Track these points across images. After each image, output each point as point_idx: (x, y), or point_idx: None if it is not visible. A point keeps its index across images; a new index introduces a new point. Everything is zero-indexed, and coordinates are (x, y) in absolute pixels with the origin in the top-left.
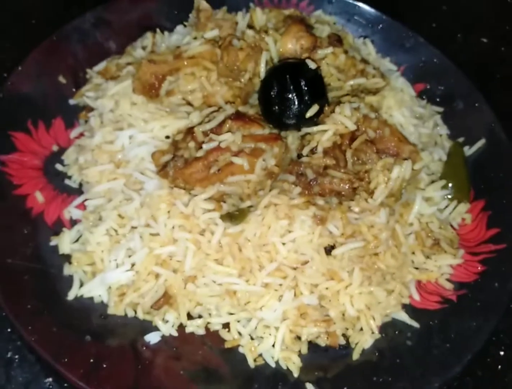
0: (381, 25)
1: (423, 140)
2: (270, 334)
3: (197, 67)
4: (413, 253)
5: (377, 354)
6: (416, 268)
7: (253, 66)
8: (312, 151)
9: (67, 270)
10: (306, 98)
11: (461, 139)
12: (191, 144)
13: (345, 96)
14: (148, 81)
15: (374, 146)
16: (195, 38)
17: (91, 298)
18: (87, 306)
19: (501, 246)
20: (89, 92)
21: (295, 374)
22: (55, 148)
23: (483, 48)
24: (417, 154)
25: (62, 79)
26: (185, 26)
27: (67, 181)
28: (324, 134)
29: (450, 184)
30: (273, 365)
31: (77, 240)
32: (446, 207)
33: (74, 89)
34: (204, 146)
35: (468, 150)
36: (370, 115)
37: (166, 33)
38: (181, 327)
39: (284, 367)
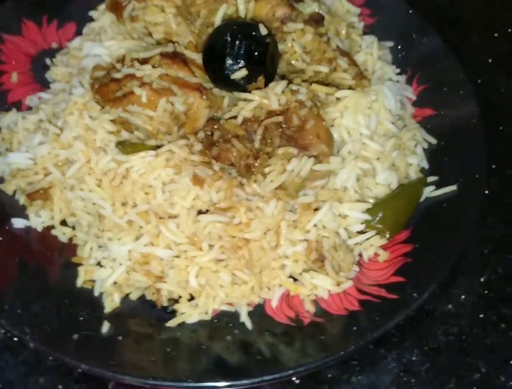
0: (424, 39)
1: (367, 155)
2: (111, 267)
3: (167, 2)
4: (296, 260)
5: (193, 332)
6: (294, 279)
7: (205, 13)
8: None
9: None
10: (239, 60)
11: (434, 179)
12: (119, 65)
13: (297, 79)
14: (116, 0)
15: (284, 132)
16: None
17: None
18: None
19: (391, 296)
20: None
21: (106, 302)
22: (54, 45)
23: None
24: (325, 156)
25: None
26: None
27: (47, 75)
28: (248, 104)
29: (380, 213)
30: (96, 294)
31: None
32: (362, 232)
33: None
34: (123, 70)
35: (434, 192)
36: (306, 103)
37: None
38: (49, 229)
39: (103, 301)
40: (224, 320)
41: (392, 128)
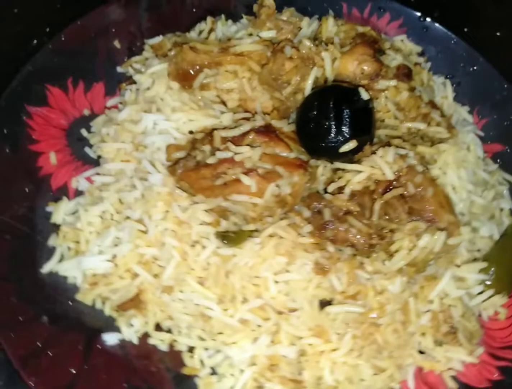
0: (475, 67)
1: (474, 211)
2: (232, 375)
3: (241, 66)
4: (423, 334)
5: None
6: (422, 352)
7: (298, 80)
8: (340, 190)
9: (52, 240)
10: (346, 130)
11: None
12: (207, 147)
13: (397, 139)
14: (184, 68)
15: (407, 204)
16: (250, 34)
17: (65, 278)
18: (57, 285)
19: None
20: (137, 64)
21: None
22: (86, 112)
23: None
24: (456, 227)
25: (117, 44)
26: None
27: (86, 149)
28: (356, 176)
29: (492, 269)
30: None
31: (74, 213)
32: (480, 293)
33: (126, 58)
34: (217, 154)
35: None
36: (417, 168)
37: (230, 21)
38: (144, 337)
39: None
40: None
41: (486, 177)
